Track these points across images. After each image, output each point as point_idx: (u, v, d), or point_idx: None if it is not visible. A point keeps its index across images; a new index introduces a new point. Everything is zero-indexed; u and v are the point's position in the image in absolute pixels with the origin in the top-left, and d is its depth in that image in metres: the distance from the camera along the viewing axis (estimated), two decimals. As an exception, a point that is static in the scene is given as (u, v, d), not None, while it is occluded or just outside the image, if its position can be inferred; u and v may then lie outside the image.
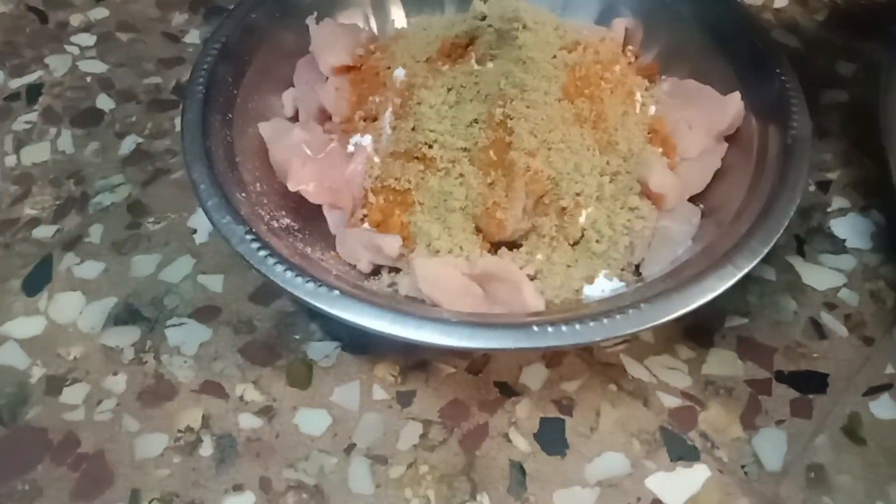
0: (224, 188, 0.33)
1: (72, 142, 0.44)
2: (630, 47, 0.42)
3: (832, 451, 0.32)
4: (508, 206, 0.34)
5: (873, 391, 0.34)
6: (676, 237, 0.34)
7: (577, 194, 0.34)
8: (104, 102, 0.46)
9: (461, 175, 0.35)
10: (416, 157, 0.35)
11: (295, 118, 0.40)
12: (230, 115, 0.37)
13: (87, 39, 0.50)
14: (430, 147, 0.35)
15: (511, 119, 0.34)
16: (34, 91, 0.47)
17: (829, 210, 0.41)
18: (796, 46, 0.49)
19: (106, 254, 0.39)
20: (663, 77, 0.40)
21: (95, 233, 0.39)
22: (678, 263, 0.33)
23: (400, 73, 0.37)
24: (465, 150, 0.35)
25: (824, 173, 0.42)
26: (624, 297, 0.31)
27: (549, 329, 0.28)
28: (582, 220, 0.34)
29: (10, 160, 0.43)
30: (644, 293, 0.30)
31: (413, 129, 0.35)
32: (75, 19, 0.51)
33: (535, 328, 0.28)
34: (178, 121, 0.44)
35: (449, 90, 0.36)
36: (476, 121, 0.35)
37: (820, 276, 0.38)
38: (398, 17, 0.44)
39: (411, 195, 0.35)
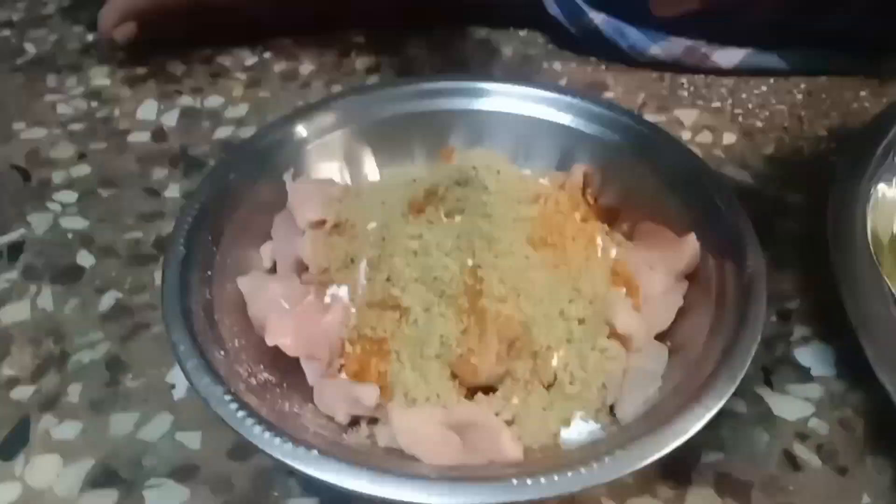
0: (203, 348, 0.33)
1: (52, 299, 0.44)
2: (589, 191, 0.44)
3: (817, 590, 0.32)
4: (482, 351, 0.35)
5: (851, 524, 0.34)
6: (647, 376, 0.35)
7: (548, 337, 0.35)
8: (84, 259, 0.47)
9: (434, 323, 0.36)
10: (392, 307, 0.36)
11: (273, 270, 0.42)
12: (210, 272, 0.38)
13: (69, 196, 0.51)
14: (404, 296, 0.36)
15: (480, 269, 0.35)
16: (16, 249, 0.48)
17: (791, 339, 0.42)
18: (746, 181, 0.52)
19: (84, 413, 0.39)
20: (622, 219, 0.42)
21: (74, 392, 0.40)
22: (650, 404, 0.33)
23: (373, 225, 0.39)
24: (438, 297, 0.36)
25: (784, 303, 0.44)
26: (600, 444, 0.31)
27: (529, 482, 0.28)
28: (554, 362, 0.35)
29: (-10, 320, 0.43)
30: (619, 438, 0.31)
31: (388, 279, 0.37)
32: (58, 176, 0.53)
33: (515, 481, 0.28)
34: (157, 275, 0.45)
35: (420, 241, 0.37)
36: (447, 269, 0.36)
37: (789, 406, 0.39)
38: (371, 169, 0.47)
39: (387, 344, 0.36)
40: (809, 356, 0.41)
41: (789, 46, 0.61)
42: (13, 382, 0.40)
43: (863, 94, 0.60)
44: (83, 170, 0.53)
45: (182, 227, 0.38)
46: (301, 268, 0.41)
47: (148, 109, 0.58)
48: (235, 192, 0.42)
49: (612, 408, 0.35)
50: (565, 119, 0.46)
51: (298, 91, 0.61)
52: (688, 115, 0.58)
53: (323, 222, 0.41)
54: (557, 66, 0.64)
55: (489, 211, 0.36)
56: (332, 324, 0.37)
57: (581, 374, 0.35)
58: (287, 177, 0.42)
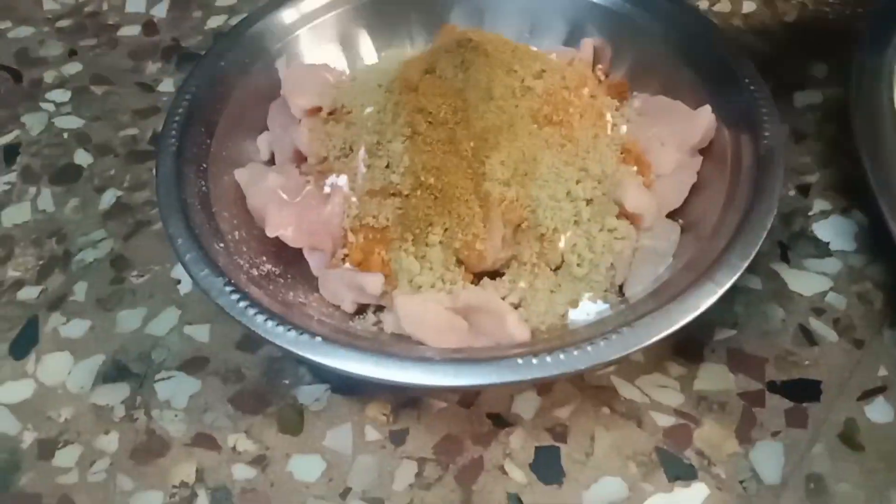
0: (201, 240, 0.33)
1: (52, 200, 0.44)
2: (600, 66, 0.42)
3: (830, 460, 0.32)
4: (487, 236, 0.34)
5: (867, 395, 0.34)
6: (657, 255, 0.34)
7: (555, 220, 0.34)
8: (82, 158, 0.46)
9: (437, 208, 0.34)
10: (392, 194, 0.35)
11: (271, 161, 0.40)
12: (205, 165, 0.37)
13: (62, 95, 0.50)
14: (404, 182, 0.35)
15: (485, 156, 0.34)
16: (11, 151, 0.47)
17: (810, 214, 0.41)
18: (767, 51, 0.49)
19: (91, 311, 0.39)
20: (634, 94, 0.40)
21: (80, 290, 0.39)
22: (660, 282, 0.33)
23: (370, 110, 0.37)
24: (437, 182, 0.35)
25: (804, 176, 0.42)
26: (607, 322, 0.31)
27: (534, 361, 0.28)
28: (561, 245, 0.34)
29: (-9, 223, 0.43)
30: (627, 316, 0.30)
31: (387, 166, 0.35)
32: (49, 76, 0.51)
33: (520, 361, 0.28)
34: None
35: (419, 122, 0.36)
36: (447, 152, 0.35)
37: (806, 281, 0.38)
38: (368, 52, 0.44)
39: (390, 232, 0.35)
40: (829, 230, 0.40)
41: None
42: (19, 284, 0.40)
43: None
44: (75, 67, 0.52)
45: (172, 119, 0.37)
46: (299, 158, 0.40)
47: (136, 1, 0.56)
48: (227, 81, 0.40)
49: (621, 287, 0.34)
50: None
51: (292, -25, 0.57)
52: (706, -17, 0.54)
53: (318, 109, 0.39)
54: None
55: (488, 86, 0.34)
56: (333, 213, 0.36)
57: (589, 255, 0.34)
58: (280, 63, 0.41)
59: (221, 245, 0.33)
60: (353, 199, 0.36)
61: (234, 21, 0.54)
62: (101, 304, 0.39)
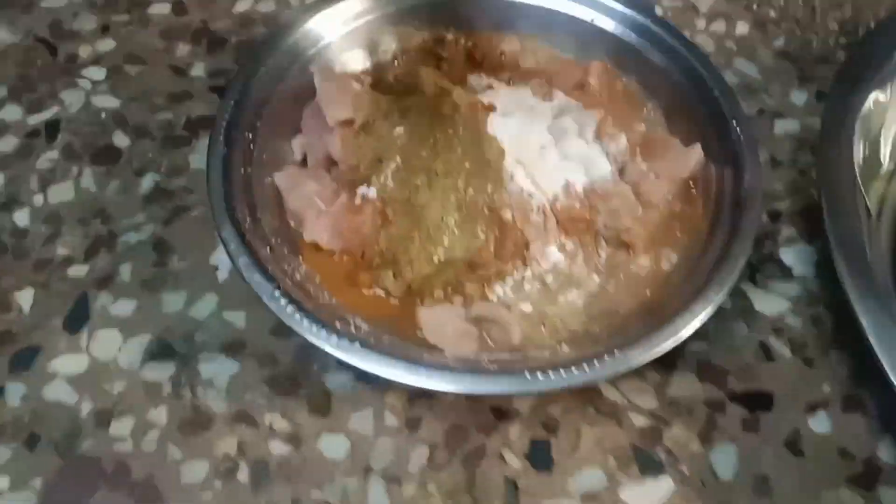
0: (251, 246, 0.37)
1: (94, 180, 0.47)
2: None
3: (775, 463, 0.38)
4: (496, 250, 0.39)
5: (812, 408, 0.40)
6: (645, 276, 0.40)
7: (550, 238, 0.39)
8: (120, 139, 0.49)
9: (455, 225, 0.39)
10: (416, 211, 0.40)
11: (303, 163, 0.44)
12: (249, 169, 0.41)
13: (98, 73, 0.53)
14: (426, 200, 0.40)
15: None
16: (52, 128, 0.50)
17: (778, 238, 0.46)
18: (754, 76, 0.54)
19: (137, 292, 0.43)
20: (633, 128, 0.45)
21: (125, 271, 0.44)
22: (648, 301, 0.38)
23: (400, 131, 0.41)
24: (457, 202, 0.40)
25: (776, 202, 0.47)
26: (599, 342, 0.36)
27: (540, 376, 0.33)
28: (560, 259, 0.40)
29: (38, 199, 0.46)
30: (618, 340, 0.35)
31: (415, 185, 0.40)
32: (84, 51, 0.54)
33: (528, 375, 0.33)
34: (192, 157, 0.48)
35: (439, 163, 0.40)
36: (465, 182, 0.40)
37: (769, 302, 0.43)
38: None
39: (414, 243, 0.40)
40: (793, 256, 0.45)
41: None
42: (69, 261, 0.44)
43: (879, -18, 0.60)
44: (108, 44, 0.54)
45: (220, 126, 0.41)
46: (330, 162, 0.44)
47: (164, -23, 0.58)
48: (266, 86, 0.44)
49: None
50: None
51: (315, -39, 0.60)
52: (704, 1, 0.58)
53: (352, 122, 0.43)
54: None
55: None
56: (363, 222, 0.40)
57: (583, 272, 0.39)
58: (316, 72, 0.44)
59: (268, 249, 0.38)
60: (382, 209, 0.40)
61: (260, 6, 0.57)
62: (146, 286, 0.43)
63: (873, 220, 0.43)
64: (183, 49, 0.54)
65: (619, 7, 0.47)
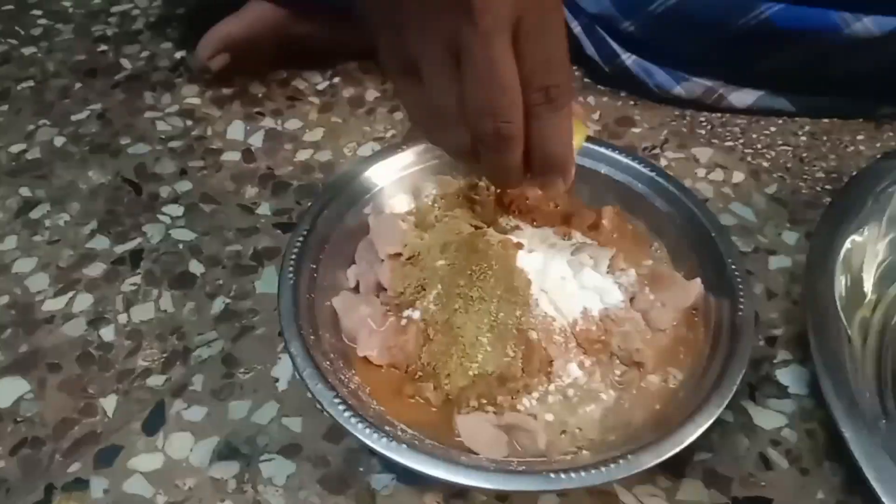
0: (314, 359, 0.43)
1: (171, 302, 0.55)
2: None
3: (775, 563, 0.42)
4: (524, 366, 0.45)
5: (807, 514, 0.44)
6: (654, 392, 0.45)
7: (570, 356, 0.45)
8: (195, 267, 0.57)
9: (488, 343, 0.46)
10: (453, 333, 0.46)
11: (356, 288, 0.51)
12: (312, 295, 0.48)
13: (176, 210, 0.61)
14: (463, 322, 0.46)
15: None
16: (136, 256, 0.58)
17: (775, 361, 0.51)
18: (749, 218, 0.61)
19: (207, 400, 0.49)
20: (645, 264, 0.51)
21: (197, 381, 0.50)
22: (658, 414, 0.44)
23: (441, 263, 0.48)
24: (490, 324, 0.46)
25: (772, 329, 0.53)
26: (615, 449, 0.41)
27: (562, 476, 0.39)
28: (580, 376, 0.45)
29: (122, 318, 0.54)
30: (631, 446, 0.40)
31: (456, 309, 0.46)
32: (164, 191, 0.63)
33: (552, 475, 0.39)
34: (258, 283, 0.55)
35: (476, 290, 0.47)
36: (497, 307, 0.46)
37: (767, 417, 0.48)
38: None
39: (452, 359, 0.46)
40: (788, 376, 0.50)
41: (799, 91, 0.69)
42: (148, 372, 0.50)
43: (860, 137, 0.68)
44: (185, 185, 0.63)
45: (290, 258, 0.48)
46: (380, 288, 0.50)
47: (236, 130, 0.68)
48: (328, 224, 0.51)
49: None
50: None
51: (365, 117, 0.70)
52: (703, 154, 0.67)
53: (399, 254, 0.50)
54: (591, 99, 0.72)
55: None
56: (408, 341, 0.46)
57: (601, 387, 0.45)
58: (371, 214, 0.52)
59: (327, 363, 0.44)
60: (424, 330, 0.47)
61: (318, 156, 0.66)
62: (215, 395, 0.49)
63: (858, 345, 0.48)
64: (251, 191, 0.63)
65: (627, 161, 0.55)
